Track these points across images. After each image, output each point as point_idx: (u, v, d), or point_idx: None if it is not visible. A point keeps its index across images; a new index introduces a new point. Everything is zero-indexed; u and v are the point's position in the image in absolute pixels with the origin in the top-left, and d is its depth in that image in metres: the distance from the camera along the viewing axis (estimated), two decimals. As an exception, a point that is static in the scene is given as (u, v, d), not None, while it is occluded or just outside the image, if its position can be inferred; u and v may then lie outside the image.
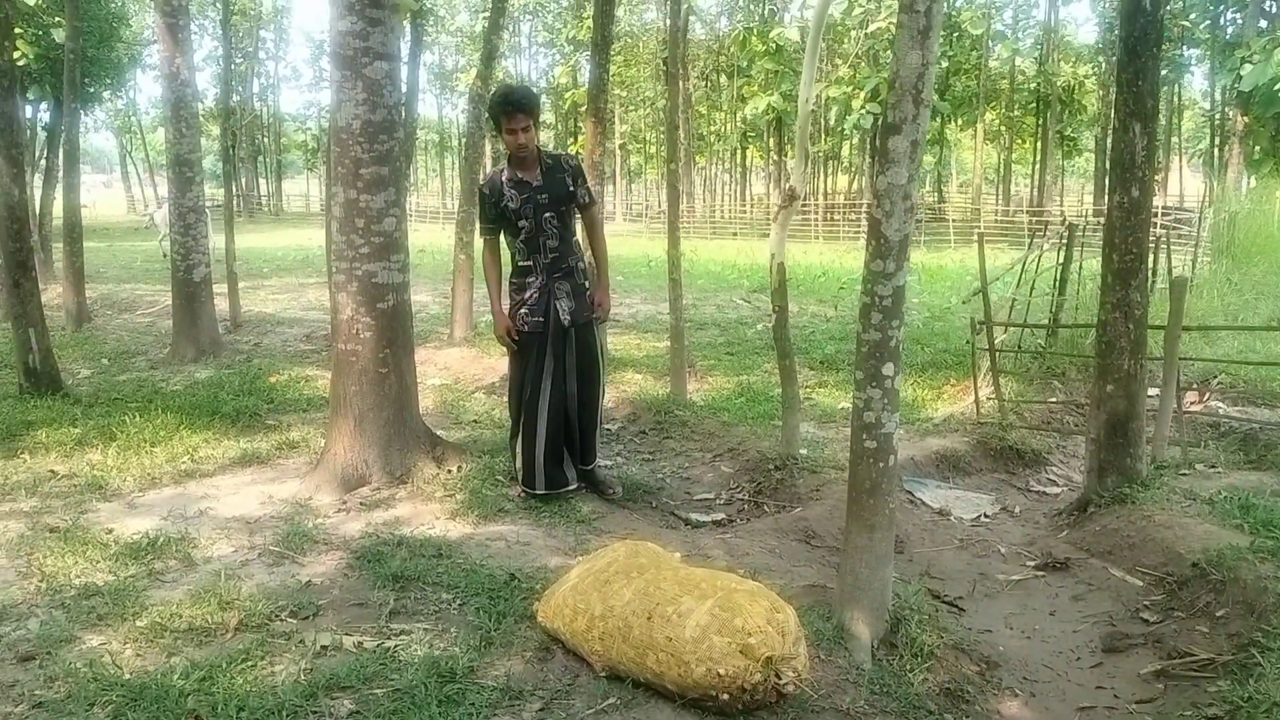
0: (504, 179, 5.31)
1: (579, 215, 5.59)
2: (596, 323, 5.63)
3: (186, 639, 3.88)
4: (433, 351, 10.88)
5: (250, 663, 3.64)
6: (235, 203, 17.84)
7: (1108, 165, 6.34)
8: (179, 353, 10.52)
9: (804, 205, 41.68)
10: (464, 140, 14.12)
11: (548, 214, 5.29)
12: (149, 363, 10.43)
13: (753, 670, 3.18)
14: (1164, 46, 5.47)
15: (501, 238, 5.52)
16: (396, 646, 3.79)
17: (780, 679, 3.25)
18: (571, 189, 5.35)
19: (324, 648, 3.80)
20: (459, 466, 6.01)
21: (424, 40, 14.62)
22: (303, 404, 8.33)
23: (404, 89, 7.00)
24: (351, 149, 5.65)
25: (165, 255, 21.47)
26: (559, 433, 5.51)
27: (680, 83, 8.17)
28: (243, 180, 54.11)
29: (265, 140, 60.72)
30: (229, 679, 3.49)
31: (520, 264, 5.44)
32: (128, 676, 3.52)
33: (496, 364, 10.24)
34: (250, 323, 13.26)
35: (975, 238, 8.52)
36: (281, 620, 4.07)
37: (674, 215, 8.09)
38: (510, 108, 5.15)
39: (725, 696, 3.18)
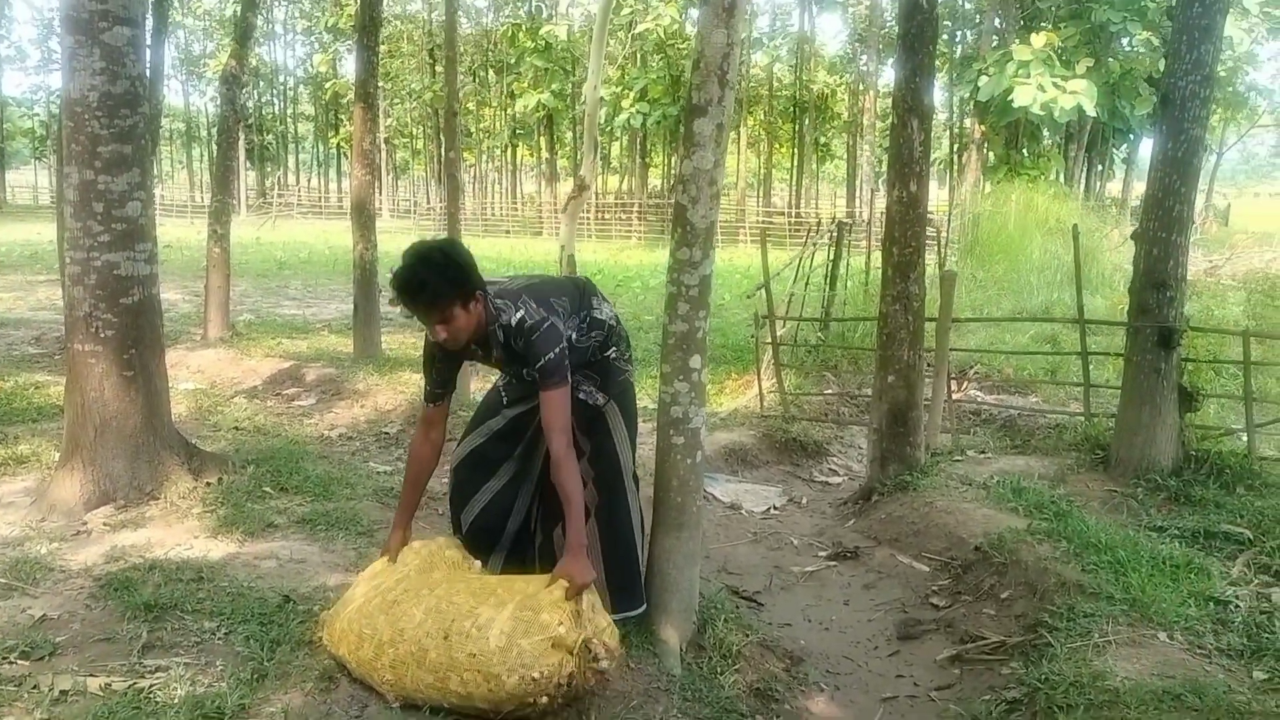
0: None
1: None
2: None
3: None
4: (184, 354, 9.99)
5: (-31, 718, 3.07)
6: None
7: (885, 163, 6.52)
8: (-123, 358, 9.16)
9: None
10: (215, 129, 13.15)
11: (525, 369, 3.54)
12: None
13: (566, 663, 2.95)
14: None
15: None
16: (152, 686, 3.30)
17: (596, 660, 3.04)
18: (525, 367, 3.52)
19: (63, 693, 3.27)
20: (220, 478, 5.45)
21: (169, 19, 13.46)
22: (32, 414, 7.39)
23: (148, 65, 6.26)
24: (88, 124, 4.99)
25: None
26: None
27: (455, 68, 7.82)
28: (-42, 169, 48.90)
29: (-15, 125, 54.96)
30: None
31: None
32: None
33: (257, 366, 9.54)
34: (-32, 324, 11.80)
35: (740, 238, 8.65)
36: (11, 663, 3.48)
37: (454, 206, 7.75)
38: (408, 297, 3.30)
39: (544, 699, 2.93)
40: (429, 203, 47.16)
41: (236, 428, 7.17)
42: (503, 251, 25.18)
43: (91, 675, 3.37)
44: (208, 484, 5.37)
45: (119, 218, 5.08)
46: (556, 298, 3.56)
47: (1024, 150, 29.59)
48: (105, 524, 4.90)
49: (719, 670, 3.67)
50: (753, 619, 4.26)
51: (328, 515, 5.09)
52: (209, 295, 10.85)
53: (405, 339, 11.37)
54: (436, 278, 3.25)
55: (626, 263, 22.90)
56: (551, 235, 35.89)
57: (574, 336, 3.59)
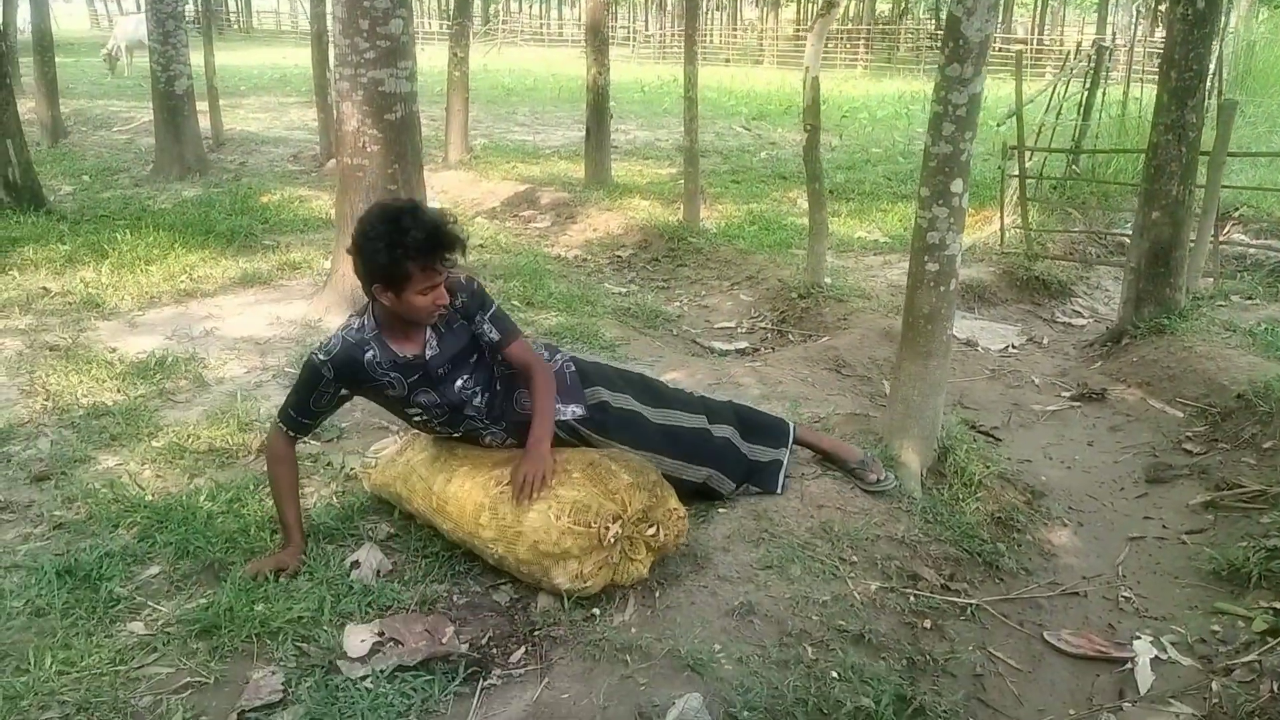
0: (369, 359, 2.95)
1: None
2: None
3: (208, 460, 3.71)
4: (428, 174, 10.35)
5: (279, 485, 3.47)
6: (199, 19, 16.75)
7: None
8: (163, 170, 10.05)
9: (800, 30, 40.23)
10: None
11: (459, 382, 3.07)
12: (132, 180, 9.98)
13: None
14: None
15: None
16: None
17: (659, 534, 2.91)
18: (475, 331, 3.07)
19: (352, 470, 3.64)
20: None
21: None
22: (298, 225, 7.99)
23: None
24: (354, -64, 5.16)
25: (111, 71, 20.48)
26: None
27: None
28: (210, -5, 51.48)
29: (232, -48, 57.53)
30: (259, 501, 3.33)
31: (439, 434, 3.27)
32: (150, 498, 3.36)
33: (495, 188, 9.89)
34: (233, 141, 12.70)
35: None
36: (305, 442, 3.89)
37: (692, 28, 7.62)
38: (444, 248, 2.80)
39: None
40: (648, 29, 46.44)
41: (481, 246, 7.50)
42: (723, 81, 24.63)
43: (370, 468, 3.73)
44: (462, 295, 5.68)
45: (382, 34, 5.27)
46: None
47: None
48: (374, 326, 5.30)
49: (960, 497, 3.68)
50: (992, 453, 4.22)
51: (572, 329, 5.32)
52: (450, 118, 11.20)
53: (632, 166, 11.47)
54: (449, 224, 2.86)
55: (851, 93, 21.99)
56: (772, 64, 34.79)
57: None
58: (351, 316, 3.08)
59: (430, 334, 3.00)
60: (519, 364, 3.09)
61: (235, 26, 49.57)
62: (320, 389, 2.95)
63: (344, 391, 3.00)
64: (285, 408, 3.02)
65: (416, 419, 3.13)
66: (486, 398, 3.11)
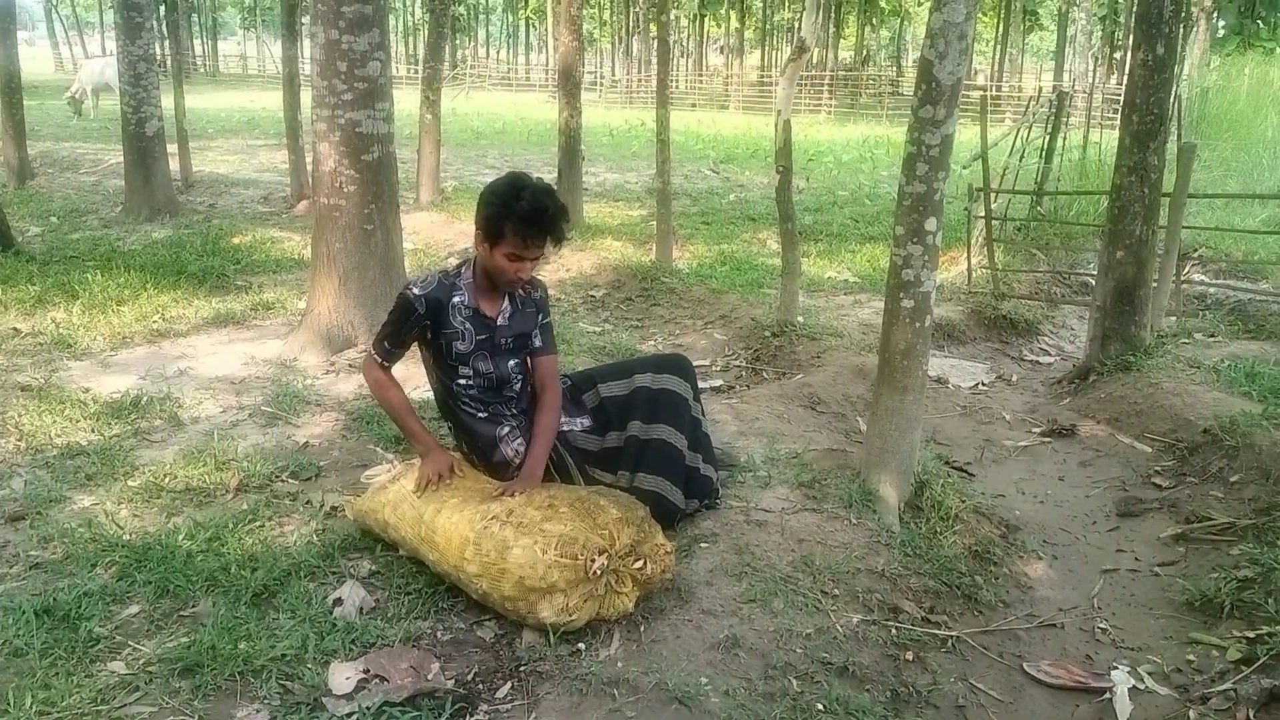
0: (456, 302, 3.31)
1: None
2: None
3: (185, 499, 3.68)
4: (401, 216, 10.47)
5: (258, 523, 3.47)
6: (168, 62, 16.71)
7: (1131, 21, 6.09)
8: (132, 211, 10.00)
9: (764, 76, 40.84)
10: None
11: (512, 361, 3.42)
12: (101, 221, 9.92)
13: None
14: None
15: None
16: (410, 508, 3.62)
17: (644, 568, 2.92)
18: (534, 328, 3.46)
19: (333, 508, 3.63)
20: (448, 329, 5.78)
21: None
22: (271, 265, 7.98)
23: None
24: (333, -16, 5.22)
25: (77, 113, 20.38)
26: None
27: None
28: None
29: (199, -4, 57.62)
30: (238, 539, 3.31)
31: (466, 409, 3.44)
32: (128, 537, 3.33)
33: (466, 229, 9.86)
34: (203, 183, 12.67)
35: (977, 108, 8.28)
36: (283, 481, 3.89)
37: (664, 72, 7.73)
38: (540, 230, 3.15)
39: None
40: (614, 75, 46.93)
41: (454, 285, 7.51)
42: (690, 125, 24.93)
43: (354, 495, 3.72)
44: (437, 334, 5.69)
45: (360, 76, 5.33)
46: None
47: (1259, 21, 26.88)
48: (350, 365, 5.30)
49: (937, 531, 3.72)
50: (967, 487, 4.27)
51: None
52: (421, 160, 11.25)
53: (603, 208, 11.56)
54: (565, 209, 3.23)
55: (816, 137, 22.32)
56: (737, 109, 35.26)
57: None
58: (450, 259, 3.39)
59: (507, 304, 3.40)
60: (542, 377, 3.45)
61: (201, 70, 49.54)
62: (411, 321, 3.29)
63: (427, 323, 3.30)
64: (378, 340, 3.37)
65: (461, 383, 3.38)
66: (524, 387, 3.47)
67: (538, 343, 3.46)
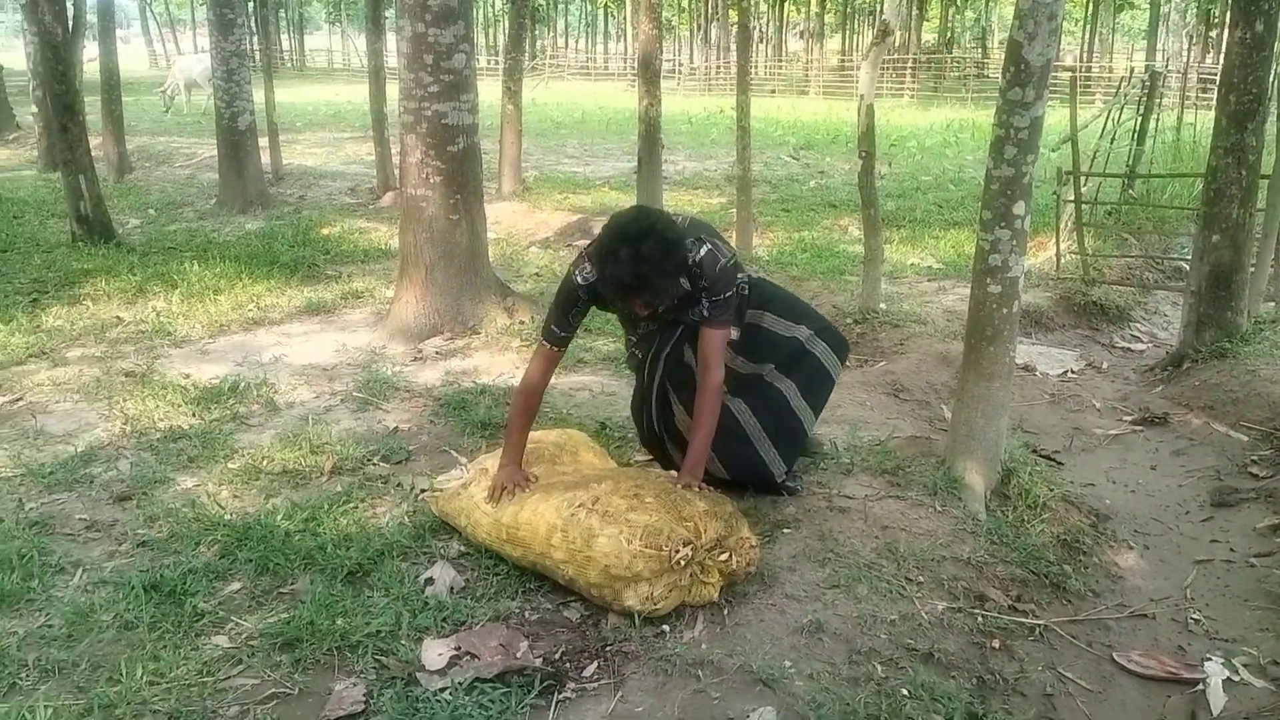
0: None
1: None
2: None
3: (282, 481, 3.81)
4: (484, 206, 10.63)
5: (352, 504, 3.57)
6: (257, 57, 17.18)
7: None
8: (226, 204, 10.32)
9: (845, 60, 40.31)
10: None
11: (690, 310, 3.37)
12: (196, 213, 10.26)
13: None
14: None
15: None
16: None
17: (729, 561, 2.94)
18: (697, 303, 3.32)
19: (424, 491, 3.72)
20: (531, 318, 5.86)
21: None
22: (359, 255, 8.17)
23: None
24: (420, -22, 5.32)
25: (168, 109, 21.04)
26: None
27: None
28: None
29: (286, -8, 58.96)
30: (333, 520, 3.42)
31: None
32: (229, 517, 3.46)
33: (548, 218, 10.01)
34: (292, 175, 13.00)
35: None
36: (375, 464, 4.00)
37: (744, 58, 7.72)
38: (627, 295, 3.08)
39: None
40: (692, 62, 46.76)
41: (536, 274, 7.62)
42: (769, 111, 24.76)
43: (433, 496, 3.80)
44: (520, 322, 5.79)
45: (446, 69, 5.42)
46: (724, 240, 3.45)
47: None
48: (437, 352, 5.41)
49: (1024, 519, 3.68)
50: (1055, 476, 4.20)
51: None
52: (503, 150, 11.38)
53: (683, 196, 11.57)
54: (657, 276, 2.98)
55: (899, 122, 21.98)
56: (817, 94, 34.89)
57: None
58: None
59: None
60: (704, 351, 3.28)
61: (289, 65, 50.73)
62: (577, 306, 3.31)
63: (590, 307, 3.36)
64: (546, 325, 3.37)
65: (642, 330, 3.60)
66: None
67: (705, 313, 3.26)
